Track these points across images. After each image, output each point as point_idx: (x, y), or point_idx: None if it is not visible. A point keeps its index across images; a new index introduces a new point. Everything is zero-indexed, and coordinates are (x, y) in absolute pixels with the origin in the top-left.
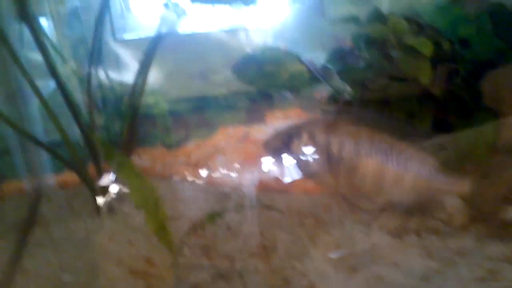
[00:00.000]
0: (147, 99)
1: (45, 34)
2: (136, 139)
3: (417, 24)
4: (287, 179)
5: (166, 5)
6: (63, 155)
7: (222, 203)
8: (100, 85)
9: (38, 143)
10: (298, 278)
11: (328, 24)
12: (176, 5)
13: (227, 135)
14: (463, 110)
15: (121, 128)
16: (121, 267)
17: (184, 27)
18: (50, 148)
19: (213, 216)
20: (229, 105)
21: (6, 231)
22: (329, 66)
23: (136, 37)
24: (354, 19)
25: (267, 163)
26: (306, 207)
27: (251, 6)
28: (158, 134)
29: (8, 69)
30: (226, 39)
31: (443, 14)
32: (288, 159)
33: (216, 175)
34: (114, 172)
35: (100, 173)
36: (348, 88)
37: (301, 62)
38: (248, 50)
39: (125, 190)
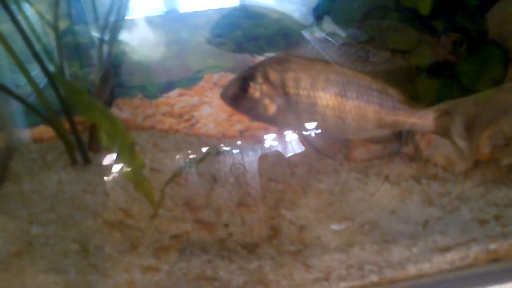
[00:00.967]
0: (125, 46)
1: None
2: (114, 88)
3: None
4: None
5: None
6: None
7: (207, 154)
8: (72, 31)
9: (9, 92)
10: (286, 227)
11: None
12: None
13: (212, 83)
14: (469, 45)
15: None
16: (96, 219)
17: None
18: (21, 98)
19: (195, 162)
20: (213, 50)
21: None
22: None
23: None
24: None
25: None
26: (297, 156)
27: None
28: (138, 84)
29: None
30: None
31: None
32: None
33: (201, 126)
34: (82, 115)
35: (72, 125)
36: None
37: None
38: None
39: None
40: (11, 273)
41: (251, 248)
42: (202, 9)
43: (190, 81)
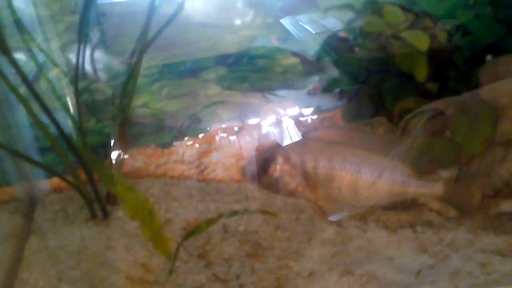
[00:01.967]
0: (138, 100)
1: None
2: (129, 140)
3: (413, 13)
4: None
5: None
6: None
7: (217, 202)
8: (89, 88)
9: (19, 155)
10: (293, 278)
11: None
12: None
13: (221, 131)
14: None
15: (113, 131)
16: (119, 275)
17: None
18: (30, 159)
19: (209, 222)
20: (222, 101)
21: (2, 240)
22: (323, 55)
23: None
24: (348, 7)
25: None
26: (301, 204)
27: None
28: (151, 134)
29: None
30: None
31: (441, 0)
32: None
33: (210, 172)
34: (106, 187)
35: (90, 178)
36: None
37: (294, 54)
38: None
39: None
40: None
41: None
42: None
43: (199, 130)
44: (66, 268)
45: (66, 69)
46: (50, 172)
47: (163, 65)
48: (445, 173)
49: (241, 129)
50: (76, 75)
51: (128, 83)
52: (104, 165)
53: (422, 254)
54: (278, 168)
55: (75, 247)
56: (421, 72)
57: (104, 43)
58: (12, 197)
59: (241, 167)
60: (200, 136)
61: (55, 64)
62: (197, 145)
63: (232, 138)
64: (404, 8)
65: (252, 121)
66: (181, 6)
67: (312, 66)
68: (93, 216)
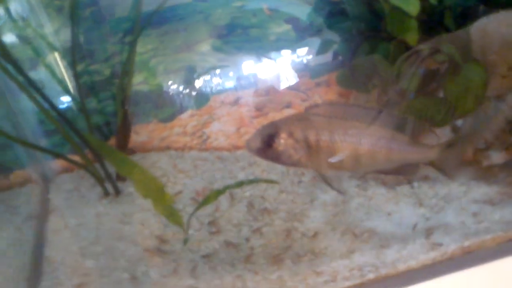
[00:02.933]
0: (137, 77)
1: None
2: (131, 118)
3: None
4: None
5: None
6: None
7: (222, 170)
8: (87, 70)
9: (24, 143)
10: (299, 239)
11: None
12: None
13: (219, 102)
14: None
15: (114, 110)
16: (137, 248)
17: None
18: (36, 146)
19: (217, 193)
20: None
21: (24, 222)
22: (315, 19)
23: None
24: None
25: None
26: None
27: None
28: (152, 110)
29: None
30: None
31: None
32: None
33: (212, 141)
34: (117, 170)
35: (100, 159)
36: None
37: (286, 21)
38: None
39: None
40: None
41: (271, 261)
42: None
43: (199, 102)
44: (88, 245)
45: (62, 52)
46: (58, 156)
47: (158, 41)
48: (440, 133)
49: (239, 96)
50: (74, 58)
51: (126, 62)
52: (112, 149)
53: (419, 208)
54: (282, 142)
55: (93, 224)
56: (413, 37)
57: (98, 24)
58: (27, 180)
59: (246, 141)
60: (201, 107)
61: (53, 48)
62: (198, 117)
63: (231, 106)
64: None
65: (250, 87)
66: None
67: (305, 31)
68: (106, 193)
